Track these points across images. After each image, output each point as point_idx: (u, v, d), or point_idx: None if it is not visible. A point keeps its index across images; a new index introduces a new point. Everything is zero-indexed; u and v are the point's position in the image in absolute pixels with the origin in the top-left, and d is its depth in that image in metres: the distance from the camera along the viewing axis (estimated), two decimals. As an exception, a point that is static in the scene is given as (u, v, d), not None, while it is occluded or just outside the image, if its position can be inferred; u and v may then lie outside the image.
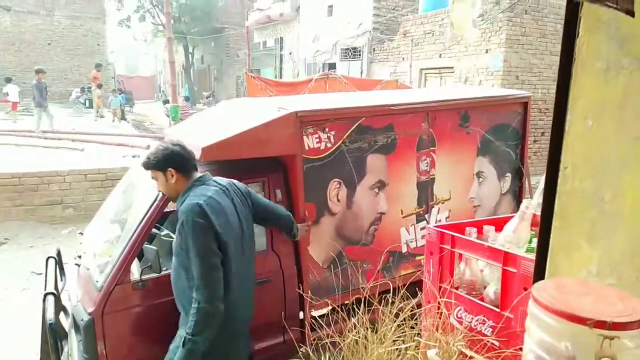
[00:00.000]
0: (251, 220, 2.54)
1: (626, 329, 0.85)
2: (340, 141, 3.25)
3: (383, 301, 2.79)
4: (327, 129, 3.19)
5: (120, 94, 20.62)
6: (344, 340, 2.43)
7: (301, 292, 3.11)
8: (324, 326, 2.93)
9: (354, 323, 2.53)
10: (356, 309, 2.77)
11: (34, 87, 11.79)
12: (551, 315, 0.88)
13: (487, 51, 10.08)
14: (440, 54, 11.21)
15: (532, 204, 2.21)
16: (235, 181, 2.59)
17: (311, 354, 2.60)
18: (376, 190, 3.46)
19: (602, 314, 0.87)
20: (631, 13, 0.88)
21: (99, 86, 16.22)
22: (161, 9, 25.04)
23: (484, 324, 2.16)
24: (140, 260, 2.88)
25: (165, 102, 21.70)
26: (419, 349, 2.13)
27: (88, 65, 20.62)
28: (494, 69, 9.95)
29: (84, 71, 20.79)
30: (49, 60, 21.59)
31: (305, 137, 3.12)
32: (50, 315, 2.75)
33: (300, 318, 3.20)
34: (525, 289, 1.81)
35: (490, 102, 4.06)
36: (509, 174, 4.17)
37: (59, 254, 3.48)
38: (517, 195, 4.26)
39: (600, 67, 0.98)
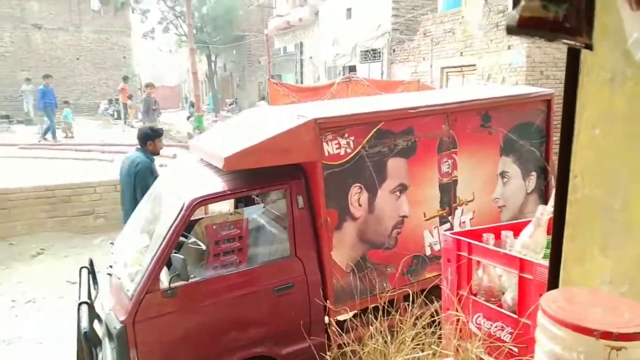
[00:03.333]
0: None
1: (633, 339, 0.85)
2: (360, 146, 3.27)
3: (407, 307, 2.78)
4: (346, 135, 3.22)
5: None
6: (362, 349, 2.45)
7: (324, 299, 3.14)
8: (346, 331, 2.95)
9: (372, 331, 2.54)
10: (379, 314, 2.78)
11: (143, 102, 11.50)
12: (559, 326, 0.89)
13: (509, 47, 9.89)
14: (462, 52, 11.06)
15: (547, 210, 2.18)
16: (134, 156, 4.50)
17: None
18: (398, 193, 3.46)
19: (609, 324, 0.87)
20: (590, 47, 0.89)
21: (129, 97, 16.62)
22: (184, 20, 25.50)
23: (502, 330, 2.16)
24: (169, 268, 2.97)
25: (189, 117, 21.87)
26: (437, 357, 2.13)
27: (115, 77, 21.19)
28: (516, 65, 9.75)
29: (112, 84, 21.39)
30: (77, 74, 22.32)
31: (325, 144, 3.15)
32: (84, 323, 2.87)
33: (326, 322, 3.22)
34: (542, 296, 1.79)
35: (512, 101, 4.00)
36: (534, 173, 4.10)
37: (91, 263, 3.62)
38: (543, 194, 4.19)
39: (605, 77, 0.98)
